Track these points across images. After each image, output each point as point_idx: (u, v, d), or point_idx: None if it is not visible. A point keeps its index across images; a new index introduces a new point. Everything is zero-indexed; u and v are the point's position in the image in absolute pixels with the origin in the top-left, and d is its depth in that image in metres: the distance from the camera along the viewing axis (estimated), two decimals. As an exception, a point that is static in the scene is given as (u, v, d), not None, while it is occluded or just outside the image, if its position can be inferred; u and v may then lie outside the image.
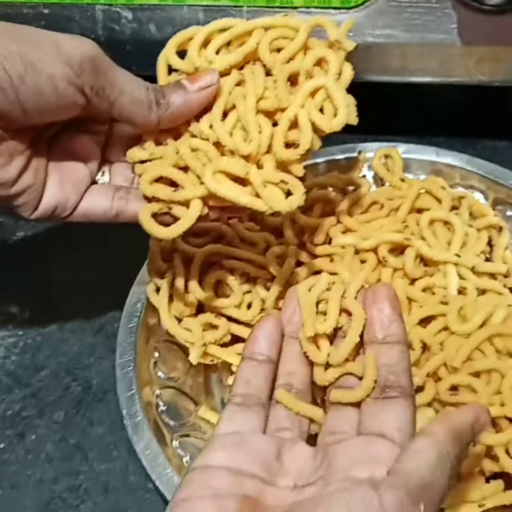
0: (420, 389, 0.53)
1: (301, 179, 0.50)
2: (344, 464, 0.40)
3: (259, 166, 0.50)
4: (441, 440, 0.40)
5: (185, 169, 0.51)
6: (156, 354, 0.61)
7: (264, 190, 0.49)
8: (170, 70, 0.53)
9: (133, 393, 0.56)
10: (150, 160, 0.52)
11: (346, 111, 0.50)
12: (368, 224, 0.63)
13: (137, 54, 0.70)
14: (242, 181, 0.50)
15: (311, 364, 0.47)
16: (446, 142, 0.73)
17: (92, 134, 0.53)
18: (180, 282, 0.59)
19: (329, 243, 0.62)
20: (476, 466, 0.51)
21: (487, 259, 0.64)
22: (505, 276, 0.62)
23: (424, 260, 0.61)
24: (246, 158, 0.50)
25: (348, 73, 0.52)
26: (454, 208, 0.65)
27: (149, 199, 0.51)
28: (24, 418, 0.62)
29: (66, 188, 0.52)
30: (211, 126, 0.51)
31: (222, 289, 0.61)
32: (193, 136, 0.51)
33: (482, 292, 0.60)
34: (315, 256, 0.61)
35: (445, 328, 0.56)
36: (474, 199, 0.66)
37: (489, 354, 0.54)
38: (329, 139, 0.53)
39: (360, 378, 0.45)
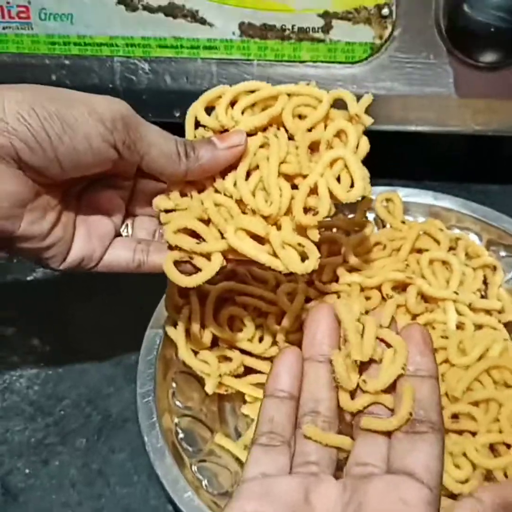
0: None
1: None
2: (374, 506, 0.40)
3: (278, 226, 0.53)
4: (488, 507, 0.42)
5: (208, 222, 0.54)
6: (174, 385, 0.63)
7: (282, 251, 0.52)
8: (197, 124, 0.56)
9: (154, 421, 0.59)
10: (175, 210, 0.55)
11: (362, 184, 0.53)
12: (372, 263, 0.66)
13: (153, 103, 0.74)
14: (260, 239, 0.53)
15: (337, 388, 0.46)
16: (442, 187, 0.76)
17: (118, 189, 0.56)
18: (196, 317, 0.62)
19: (336, 281, 0.65)
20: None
21: (482, 296, 0.67)
22: (500, 312, 0.66)
23: (424, 297, 0.65)
24: (266, 218, 0.53)
25: (365, 146, 0.55)
26: (451, 248, 0.69)
27: (172, 247, 0.54)
28: (47, 446, 0.64)
29: (93, 241, 0.55)
30: (235, 184, 0.53)
31: (235, 323, 0.64)
32: (217, 191, 0.54)
33: (478, 327, 0.64)
34: (323, 293, 0.64)
35: (446, 361, 0.59)
36: (470, 240, 0.70)
37: (487, 384, 0.57)
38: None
39: (390, 409, 0.45)
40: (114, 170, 0.53)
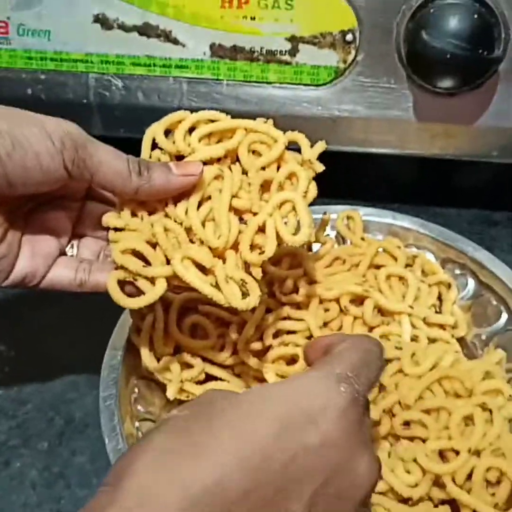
0: (376, 423, 0.57)
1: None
2: None
3: (223, 259, 0.53)
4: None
5: (155, 245, 0.54)
6: (136, 390, 0.63)
7: (225, 285, 0.52)
8: (154, 146, 0.56)
9: (115, 424, 0.59)
10: (124, 229, 0.55)
11: (308, 231, 0.53)
12: (331, 277, 0.67)
13: (125, 119, 0.75)
14: (205, 269, 0.53)
15: None
16: (400, 209, 0.78)
17: (66, 210, 0.57)
18: (159, 325, 0.62)
19: (296, 292, 0.65)
20: (426, 494, 0.54)
21: (437, 312, 0.68)
22: (453, 327, 0.67)
23: (381, 311, 0.66)
24: (213, 250, 0.53)
25: (313, 190, 0.56)
26: (408, 265, 0.70)
27: (117, 267, 0.54)
28: (9, 448, 0.64)
29: (37, 259, 0.54)
30: (186, 212, 0.53)
31: (198, 331, 0.64)
32: (168, 216, 0.54)
33: (432, 341, 0.65)
34: (283, 304, 0.65)
35: (400, 371, 0.60)
36: (426, 258, 0.71)
37: (438, 394, 0.58)
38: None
39: None
40: (64, 190, 0.54)
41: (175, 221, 0.54)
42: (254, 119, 0.57)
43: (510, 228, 0.80)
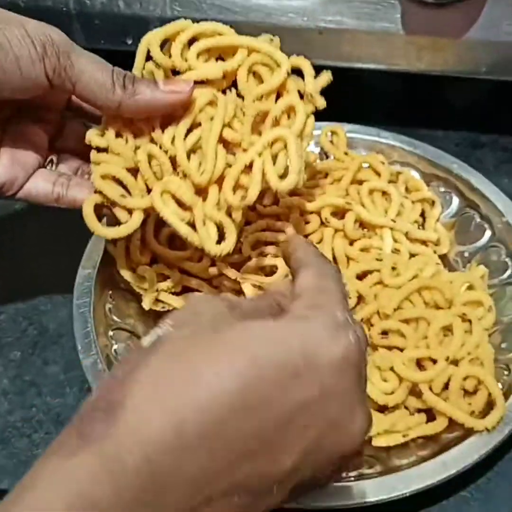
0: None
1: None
2: None
3: (205, 193, 0.51)
4: None
5: (137, 171, 0.52)
6: (111, 300, 0.62)
7: (201, 227, 0.50)
8: (148, 58, 0.52)
9: (88, 331, 0.58)
10: (107, 151, 0.52)
11: (295, 178, 0.50)
12: (313, 189, 0.65)
13: (106, 28, 0.72)
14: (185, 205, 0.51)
15: None
16: (388, 129, 0.75)
17: (43, 123, 0.55)
18: (136, 235, 0.60)
19: (277, 204, 0.63)
20: (402, 402, 0.53)
21: (420, 229, 0.66)
22: (436, 244, 0.65)
23: (363, 225, 0.64)
24: (195, 184, 0.51)
25: (310, 127, 0.53)
26: (392, 182, 0.68)
27: (96, 190, 0.52)
28: None
29: (16, 168, 0.53)
30: (173, 140, 0.51)
31: (175, 243, 0.62)
32: (153, 141, 0.51)
33: (414, 256, 0.63)
34: (263, 216, 0.63)
35: (379, 282, 0.58)
36: (410, 175, 0.69)
37: (418, 304, 0.57)
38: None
39: None
40: (44, 100, 0.52)
41: (161, 148, 0.51)
42: (257, 35, 0.54)
43: (496, 150, 0.78)
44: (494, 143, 0.78)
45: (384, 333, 0.56)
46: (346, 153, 0.69)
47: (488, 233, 0.65)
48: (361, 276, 0.59)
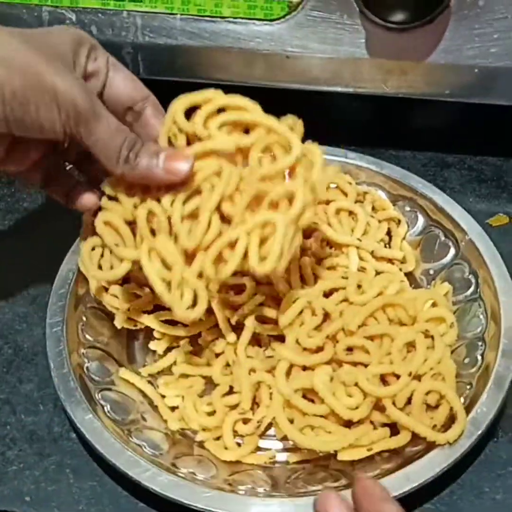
0: (320, 349, 0.56)
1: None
2: None
3: (193, 257, 0.52)
4: None
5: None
6: (84, 319, 0.62)
7: (175, 289, 0.51)
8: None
9: (61, 349, 0.58)
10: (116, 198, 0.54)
11: (272, 265, 0.50)
12: None
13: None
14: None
15: None
16: (356, 151, 0.76)
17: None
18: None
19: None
20: (367, 417, 0.54)
21: (386, 247, 0.67)
22: (402, 262, 0.66)
23: (329, 243, 0.64)
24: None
25: (307, 218, 0.53)
26: (358, 201, 0.69)
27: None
28: None
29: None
30: (172, 203, 0.52)
31: None
32: (158, 199, 0.53)
33: (379, 274, 0.63)
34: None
35: (345, 300, 0.59)
36: (377, 195, 0.70)
37: (382, 321, 0.57)
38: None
39: None
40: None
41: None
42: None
43: (462, 170, 0.79)
44: (460, 163, 0.79)
45: (349, 349, 0.56)
46: (313, 175, 0.69)
47: (452, 251, 0.66)
48: (327, 294, 0.60)
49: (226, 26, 0.69)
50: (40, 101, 0.48)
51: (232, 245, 0.51)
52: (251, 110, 0.53)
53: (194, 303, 0.51)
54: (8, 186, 0.78)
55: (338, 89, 0.72)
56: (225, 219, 0.52)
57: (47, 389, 0.61)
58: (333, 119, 0.84)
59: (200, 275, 0.51)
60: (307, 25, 0.68)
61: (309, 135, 0.77)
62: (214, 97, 0.53)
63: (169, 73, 0.73)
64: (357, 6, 0.65)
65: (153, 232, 0.52)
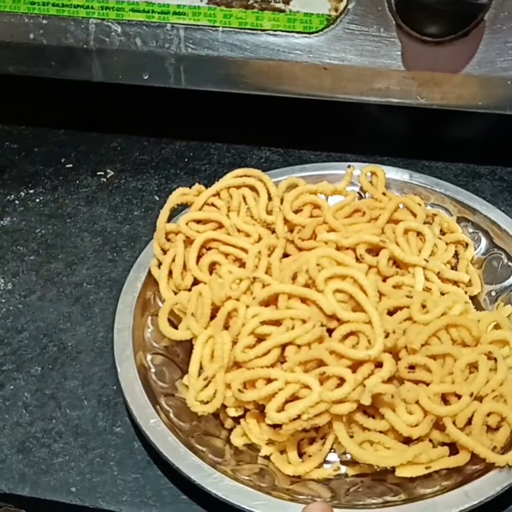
0: (379, 365, 0.50)
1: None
2: None
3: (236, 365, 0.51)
4: None
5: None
6: (150, 325, 0.57)
7: (202, 381, 0.50)
8: None
9: (128, 354, 0.54)
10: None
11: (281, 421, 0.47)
12: (350, 226, 0.61)
13: (124, 64, 0.66)
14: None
15: None
16: (389, 161, 0.72)
17: None
18: (179, 260, 0.58)
19: (314, 239, 0.59)
20: (426, 435, 0.49)
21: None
22: (467, 285, 0.61)
23: (396, 263, 0.59)
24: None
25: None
26: (427, 223, 0.63)
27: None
28: (4, 371, 0.59)
29: None
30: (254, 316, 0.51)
31: (216, 270, 0.59)
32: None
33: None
34: (300, 250, 0.59)
35: (409, 318, 0.54)
36: (446, 217, 0.65)
37: (445, 341, 0.53)
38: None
39: None
40: None
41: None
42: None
43: (493, 180, 0.73)
44: (491, 174, 0.74)
45: (411, 367, 0.52)
46: (384, 193, 0.64)
47: (515, 273, 0.64)
48: (391, 312, 0.55)
49: (266, 38, 0.64)
50: None
51: (269, 380, 0.49)
52: (277, 291, 0.51)
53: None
54: (52, 192, 0.73)
55: (374, 100, 0.67)
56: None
57: (91, 385, 0.58)
58: (368, 129, 0.79)
59: (228, 386, 0.50)
60: (345, 38, 0.63)
61: (345, 144, 0.70)
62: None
63: (210, 84, 0.67)
64: (394, 19, 0.60)
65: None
